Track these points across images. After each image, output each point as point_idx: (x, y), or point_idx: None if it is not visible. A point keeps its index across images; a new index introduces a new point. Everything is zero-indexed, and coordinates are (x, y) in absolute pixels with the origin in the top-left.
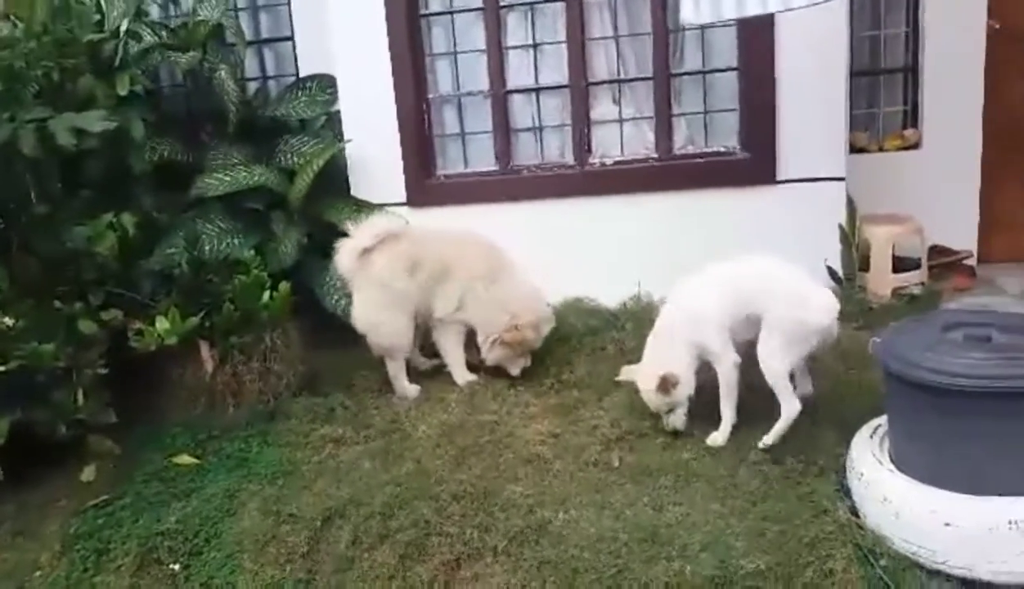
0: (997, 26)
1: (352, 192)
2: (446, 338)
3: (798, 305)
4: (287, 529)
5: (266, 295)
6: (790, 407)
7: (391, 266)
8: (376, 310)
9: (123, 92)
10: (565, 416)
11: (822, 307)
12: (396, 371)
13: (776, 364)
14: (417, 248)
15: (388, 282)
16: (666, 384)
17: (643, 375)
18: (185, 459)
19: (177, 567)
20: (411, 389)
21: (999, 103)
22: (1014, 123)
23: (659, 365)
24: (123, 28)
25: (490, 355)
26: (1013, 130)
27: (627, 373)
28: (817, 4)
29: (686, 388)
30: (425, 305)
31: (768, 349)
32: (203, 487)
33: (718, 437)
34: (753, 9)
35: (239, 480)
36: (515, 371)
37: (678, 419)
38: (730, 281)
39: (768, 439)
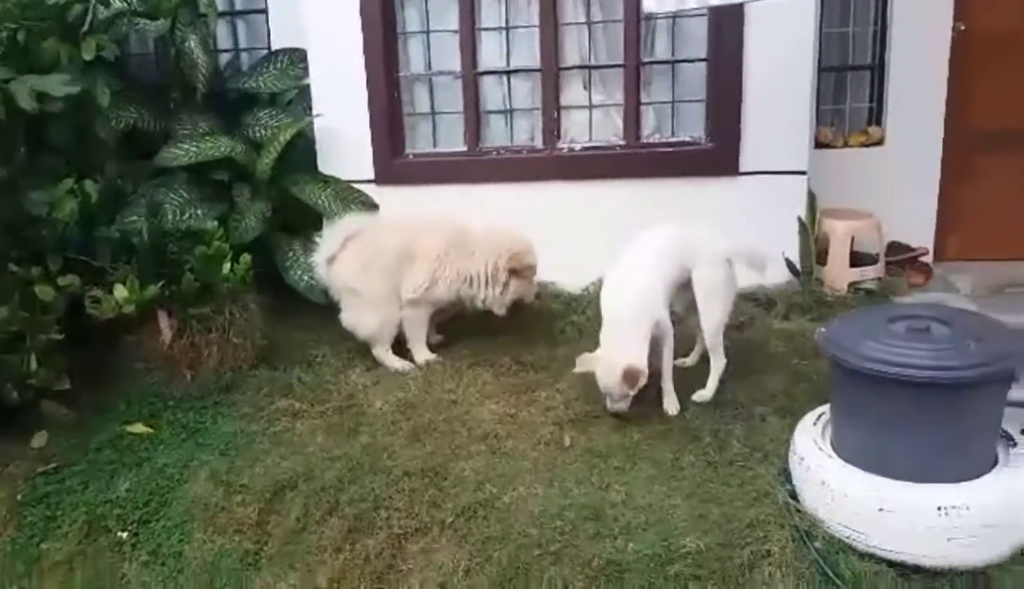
0: (963, 28)
1: (320, 168)
2: (411, 318)
3: (724, 264)
4: (238, 500)
5: (227, 267)
6: (721, 361)
7: (353, 267)
8: (352, 313)
9: (89, 57)
10: (520, 396)
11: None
12: (381, 354)
13: (718, 319)
14: (378, 242)
15: (354, 283)
16: (631, 377)
17: (604, 365)
18: (139, 428)
19: (125, 535)
20: (401, 364)
21: (961, 106)
22: (974, 126)
23: (620, 354)
24: None
25: (506, 298)
26: (973, 133)
27: (584, 363)
28: None
29: (644, 377)
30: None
31: (709, 308)
32: (155, 456)
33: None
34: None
35: (192, 450)
36: (532, 296)
37: (624, 405)
38: (664, 249)
39: (707, 393)
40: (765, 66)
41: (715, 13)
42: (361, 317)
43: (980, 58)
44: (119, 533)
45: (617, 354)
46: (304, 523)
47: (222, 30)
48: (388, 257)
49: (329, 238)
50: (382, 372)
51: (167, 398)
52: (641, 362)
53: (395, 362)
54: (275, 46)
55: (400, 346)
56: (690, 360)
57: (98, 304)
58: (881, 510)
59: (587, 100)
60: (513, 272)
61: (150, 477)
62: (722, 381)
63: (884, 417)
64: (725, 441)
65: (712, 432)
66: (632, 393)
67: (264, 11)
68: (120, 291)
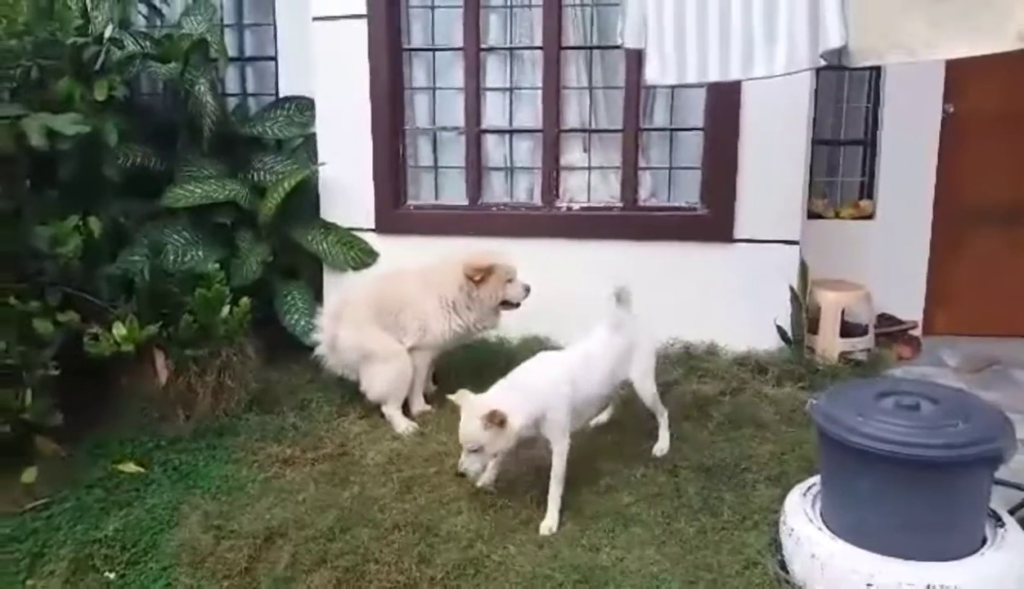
0: (951, 109)
1: (322, 215)
2: (415, 365)
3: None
4: (227, 545)
5: (226, 310)
6: (665, 412)
7: (355, 333)
8: (367, 376)
9: (101, 97)
10: (512, 452)
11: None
12: (391, 412)
13: (652, 385)
14: (370, 300)
15: (363, 345)
16: (495, 418)
17: (470, 404)
18: (130, 467)
19: (112, 576)
20: (406, 426)
21: (950, 183)
22: (963, 203)
23: (494, 399)
24: (106, 35)
25: (485, 307)
26: (962, 210)
27: (460, 397)
28: (776, 75)
29: (512, 431)
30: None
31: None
32: (146, 497)
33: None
34: (714, 76)
35: (183, 492)
36: (518, 297)
37: (478, 465)
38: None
39: (664, 445)
40: (760, 137)
41: (713, 85)
42: (375, 375)
43: (968, 138)
44: (106, 573)
45: (491, 398)
46: (293, 572)
47: (231, 75)
48: (384, 312)
49: (324, 324)
50: (375, 421)
51: (160, 438)
52: (514, 413)
53: (402, 424)
54: (283, 93)
55: None
56: (604, 417)
57: (96, 342)
58: (869, 585)
59: (586, 162)
60: (473, 280)
61: (139, 518)
62: (713, 444)
63: (872, 492)
64: (716, 507)
65: (703, 498)
66: (489, 450)
67: (274, 58)
68: (119, 329)
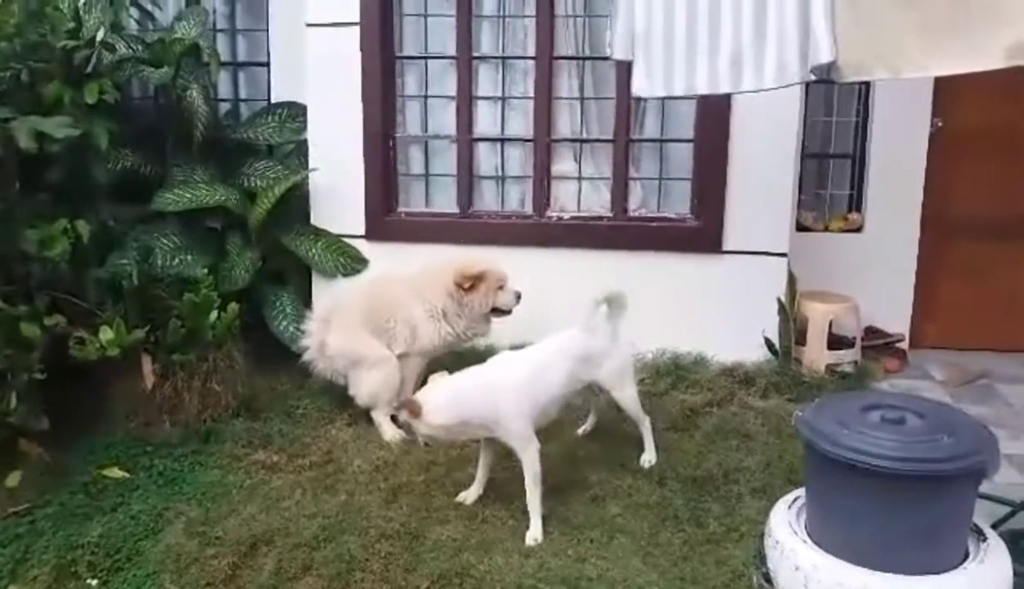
0: (940, 124)
1: (312, 221)
2: (405, 372)
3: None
4: (211, 552)
5: (214, 315)
6: (646, 421)
7: (344, 337)
8: (355, 381)
9: (91, 100)
10: (500, 462)
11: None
12: (379, 418)
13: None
14: (360, 306)
15: (352, 349)
16: (409, 407)
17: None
18: (115, 472)
19: (95, 582)
20: (393, 434)
21: (938, 197)
22: (950, 217)
23: (433, 392)
24: (98, 38)
25: (475, 314)
26: (948, 224)
27: (434, 376)
28: (765, 89)
29: (431, 430)
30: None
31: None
32: (130, 503)
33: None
34: (702, 89)
35: (168, 498)
36: (509, 304)
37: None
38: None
39: (651, 455)
40: (750, 149)
41: (703, 97)
42: (362, 380)
43: (956, 152)
44: (89, 580)
45: (424, 391)
46: (277, 580)
47: (223, 79)
48: (373, 318)
49: (313, 329)
50: (362, 428)
51: (146, 444)
52: (433, 412)
53: (389, 431)
54: (275, 99)
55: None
56: (588, 426)
57: (82, 345)
58: None
59: (577, 172)
60: (463, 288)
61: (124, 524)
62: (700, 455)
63: (856, 505)
64: (702, 519)
65: (689, 509)
66: (416, 431)
67: (266, 64)
68: (106, 333)
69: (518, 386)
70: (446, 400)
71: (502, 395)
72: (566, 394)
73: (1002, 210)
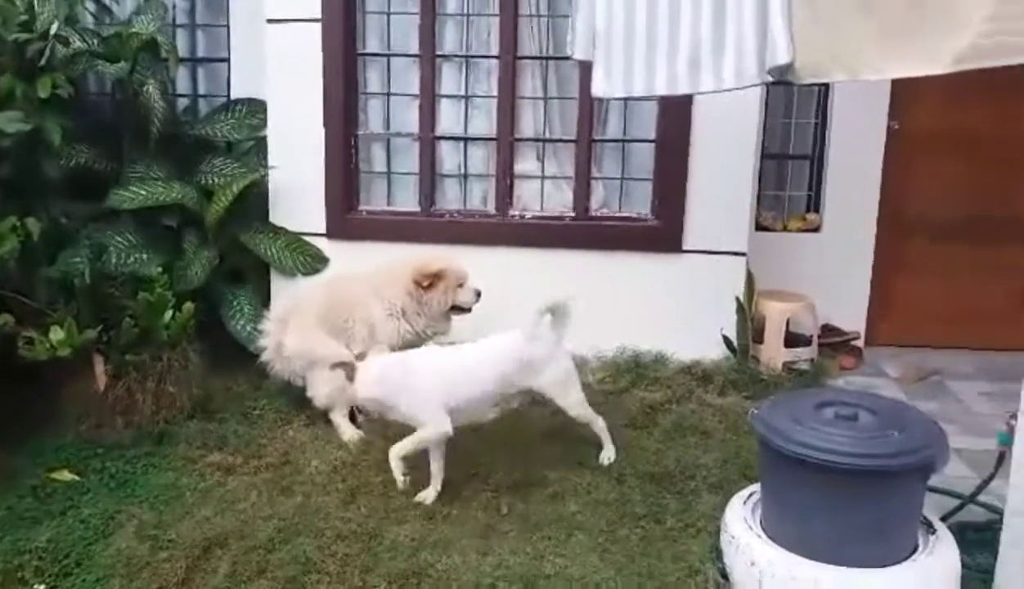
0: (896, 126)
1: (271, 218)
2: None
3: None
4: (164, 555)
5: (168, 315)
6: (598, 421)
7: (301, 339)
8: (312, 382)
9: (44, 95)
10: (458, 460)
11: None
12: (337, 419)
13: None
14: (318, 307)
15: (309, 350)
16: (344, 368)
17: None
18: (64, 475)
19: (43, 588)
20: (351, 434)
21: (894, 197)
22: (906, 217)
23: (369, 362)
24: (52, 31)
25: (434, 312)
26: (904, 224)
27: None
28: (724, 90)
29: (352, 394)
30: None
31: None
32: (80, 506)
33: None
34: (662, 90)
35: (119, 501)
36: (469, 302)
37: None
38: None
39: (610, 452)
40: (711, 150)
41: (664, 98)
42: (320, 381)
43: (912, 154)
44: (36, 586)
45: (367, 363)
46: (231, 583)
47: (182, 75)
48: (331, 318)
49: (270, 329)
50: (320, 429)
51: (97, 446)
52: (361, 376)
53: (348, 431)
54: (235, 95)
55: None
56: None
57: (31, 346)
58: None
59: (540, 171)
60: (421, 286)
61: (73, 527)
62: (659, 452)
63: (810, 500)
64: (660, 515)
65: (647, 505)
66: (348, 389)
67: (226, 60)
68: (56, 333)
69: (433, 376)
70: (374, 376)
71: (415, 379)
72: (497, 395)
73: (956, 210)
